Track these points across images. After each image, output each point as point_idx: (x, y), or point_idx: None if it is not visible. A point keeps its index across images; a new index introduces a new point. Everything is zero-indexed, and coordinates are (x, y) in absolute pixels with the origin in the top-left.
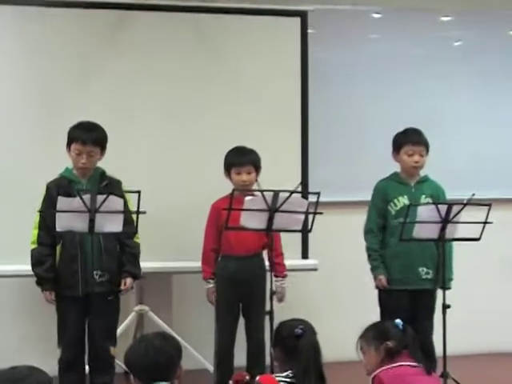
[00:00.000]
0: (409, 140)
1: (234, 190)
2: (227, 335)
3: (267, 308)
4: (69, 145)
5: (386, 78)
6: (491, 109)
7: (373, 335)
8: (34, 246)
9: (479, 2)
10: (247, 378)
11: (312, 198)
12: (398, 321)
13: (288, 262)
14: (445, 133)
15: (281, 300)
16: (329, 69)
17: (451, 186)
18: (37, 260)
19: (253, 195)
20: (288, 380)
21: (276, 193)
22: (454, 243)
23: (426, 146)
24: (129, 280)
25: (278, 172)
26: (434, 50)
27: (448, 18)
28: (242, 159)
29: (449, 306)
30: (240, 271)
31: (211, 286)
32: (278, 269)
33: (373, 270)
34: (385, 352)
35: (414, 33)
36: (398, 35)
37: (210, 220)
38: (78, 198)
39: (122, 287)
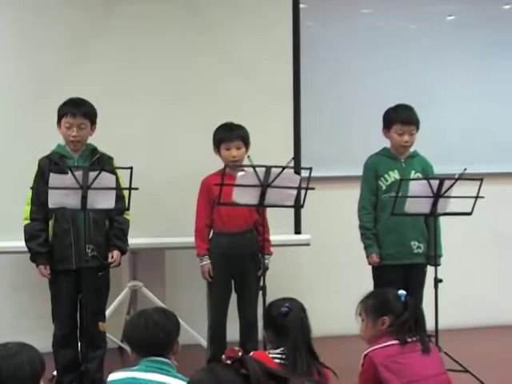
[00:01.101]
0: (399, 119)
1: (225, 166)
2: (220, 311)
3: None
4: (59, 121)
5: (379, 52)
6: (483, 83)
7: (371, 305)
8: (26, 222)
9: None
10: (240, 353)
11: (304, 174)
12: (401, 292)
13: (280, 238)
14: (437, 107)
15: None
16: (321, 44)
17: (444, 160)
18: (30, 235)
19: (244, 171)
20: (280, 356)
21: (268, 168)
22: (445, 218)
23: (417, 124)
24: (116, 252)
25: (270, 147)
26: (427, 24)
27: None
28: (230, 135)
29: (441, 281)
30: (233, 247)
31: (207, 263)
32: (266, 245)
33: (366, 248)
34: (381, 326)
35: (406, 7)
36: (391, 10)
37: (201, 196)
38: (70, 175)
39: (110, 260)
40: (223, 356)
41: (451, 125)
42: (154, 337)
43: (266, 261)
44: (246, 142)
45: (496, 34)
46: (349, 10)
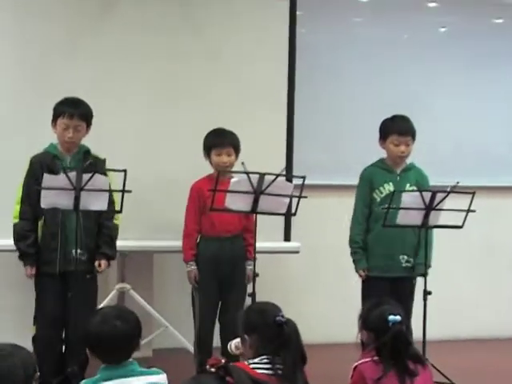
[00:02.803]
0: (395, 129)
1: (219, 172)
2: (209, 318)
3: (249, 290)
4: (54, 120)
5: (372, 61)
6: (475, 95)
7: (359, 315)
8: (16, 221)
9: None
10: (222, 361)
11: (296, 181)
12: (392, 317)
13: (270, 244)
14: (429, 118)
15: (249, 281)
16: (314, 51)
17: (434, 171)
18: (19, 235)
19: (235, 177)
20: (262, 366)
21: (262, 175)
22: (437, 230)
23: (413, 135)
24: (103, 262)
25: (263, 154)
26: (420, 35)
27: (434, 4)
28: (222, 141)
29: (430, 293)
30: (222, 251)
31: (193, 268)
32: (249, 250)
33: (354, 262)
34: (365, 339)
35: (400, 17)
36: (385, 19)
37: (191, 201)
38: (63, 175)
39: (98, 269)
40: (207, 366)
41: (443, 136)
42: (133, 333)
43: (249, 267)
44: (237, 149)
45: (487, 47)
46: (343, 18)
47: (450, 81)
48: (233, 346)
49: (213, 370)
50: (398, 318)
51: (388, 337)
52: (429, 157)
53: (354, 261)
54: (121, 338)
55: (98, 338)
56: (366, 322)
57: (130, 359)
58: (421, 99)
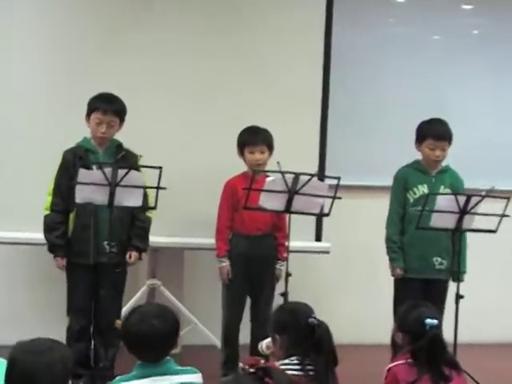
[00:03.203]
0: (432, 134)
1: (254, 172)
2: (236, 313)
3: (280, 290)
4: (88, 114)
5: (405, 62)
6: (508, 98)
7: (395, 316)
8: (47, 212)
9: None
10: (262, 361)
11: (330, 181)
12: (429, 321)
13: (301, 244)
14: (461, 121)
15: (277, 280)
16: (349, 51)
17: (466, 175)
18: (49, 226)
19: (267, 176)
20: (292, 367)
21: (297, 175)
22: (468, 235)
23: (449, 139)
24: (134, 254)
25: (297, 155)
26: (453, 36)
27: (469, 7)
28: (255, 138)
29: (462, 297)
30: (252, 249)
31: (226, 264)
32: (280, 250)
33: (391, 261)
34: (400, 340)
35: (434, 19)
36: (419, 20)
37: (225, 198)
38: (99, 171)
39: (128, 261)
40: (244, 363)
41: (476, 138)
42: (170, 333)
43: (278, 266)
44: (270, 147)
45: None
46: (377, 18)
47: (482, 83)
48: (264, 346)
49: (252, 370)
50: (435, 321)
51: (425, 340)
52: (461, 159)
53: (391, 259)
54: (158, 337)
55: (135, 336)
56: (402, 323)
57: (167, 357)
58: (452, 101)
